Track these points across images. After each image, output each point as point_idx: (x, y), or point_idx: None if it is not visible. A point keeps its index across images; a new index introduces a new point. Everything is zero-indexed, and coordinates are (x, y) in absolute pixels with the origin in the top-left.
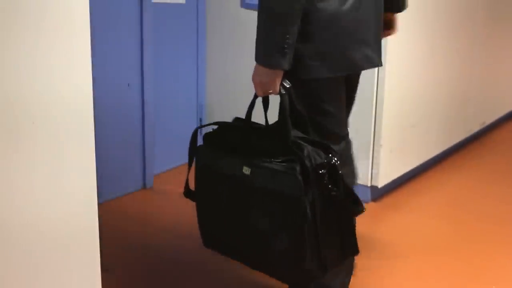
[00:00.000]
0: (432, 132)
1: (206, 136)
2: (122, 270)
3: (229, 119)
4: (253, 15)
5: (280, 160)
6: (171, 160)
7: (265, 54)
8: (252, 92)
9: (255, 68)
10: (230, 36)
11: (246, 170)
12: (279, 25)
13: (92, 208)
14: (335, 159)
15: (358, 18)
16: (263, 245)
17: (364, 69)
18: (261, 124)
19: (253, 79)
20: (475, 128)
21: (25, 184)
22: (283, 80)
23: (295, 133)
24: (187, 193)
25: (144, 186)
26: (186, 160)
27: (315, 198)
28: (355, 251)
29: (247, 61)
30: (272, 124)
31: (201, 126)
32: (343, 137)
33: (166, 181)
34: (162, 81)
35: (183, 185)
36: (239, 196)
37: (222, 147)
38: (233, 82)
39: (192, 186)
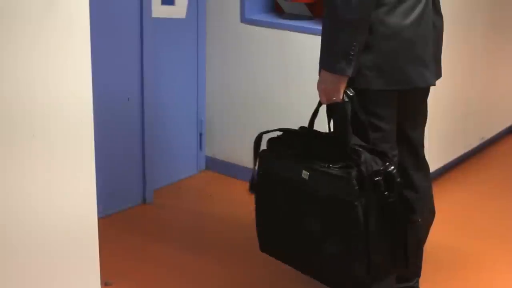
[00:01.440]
0: (431, 147)
1: (270, 141)
2: (122, 284)
3: (229, 134)
4: (253, 30)
5: (338, 166)
6: (171, 175)
7: (331, 60)
8: (253, 108)
9: (320, 75)
10: (230, 51)
11: (305, 175)
12: (347, 32)
13: (92, 221)
14: (393, 167)
15: (419, 33)
16: (315, 248)
17: (417, 86)
18: (323, 132)
19: (317, 86)
20: (475, 143)
21: (24, 197)
22: (347, 88)
23: (355, 140)
24: (252, 187)
25: (144, 201)
26: (186, 175)
27: (369, 205)
28: (407, 264)
29: (247, 76)
30: (334, 131)
31: (266, 132)
32: (391, 156)
33: (166, 196)
34: (162, 95)
35: (183, 200)
36: (295, 200)
37: (285, 152)
38: (233, 97)
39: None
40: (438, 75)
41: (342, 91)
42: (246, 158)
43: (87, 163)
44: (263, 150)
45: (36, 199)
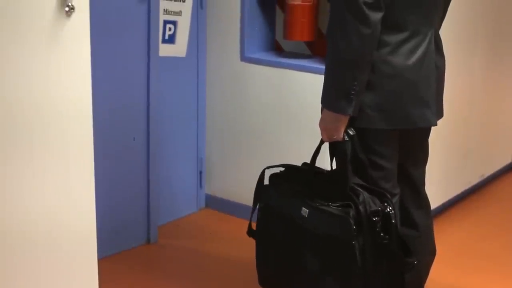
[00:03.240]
0: (431, 185)
1: (272, 177)
2: None
3: (228, 172)
4: (253, 68)
5: (337, 204)
6: (171, 213)
7: (331, 98)
8: (253, 146)
9: (322, 113)
10: (230, 90)
11: (304, 212)
12: (348, 71)
13: (92, 270)
14: (390, 208)
15: (421, 74)
16: (313, 285)
17: (418, 126)
18: (325, 169)
19: (319, 124)
20: (474, 180)
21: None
22: (348, 127)
23: (355, 180)
24: (249, 232)
25: (148, 241)
26: (186, 213)
27: (366, 244)
28: None
29: (247, 114)
30: (335, 169)
31: (269, 167)
32: (392, 195)
33: (167, 234)
34: (164, 133)
35: (184, 238)
36: (294, 236)
37: (286, 188)
38: (233, 135)
39: (254, 226)
40: (440, 115)
41: (342, 130)
42: (245, 196)
43: (87, 201)
44: (265, 185)
45: (35, 230)
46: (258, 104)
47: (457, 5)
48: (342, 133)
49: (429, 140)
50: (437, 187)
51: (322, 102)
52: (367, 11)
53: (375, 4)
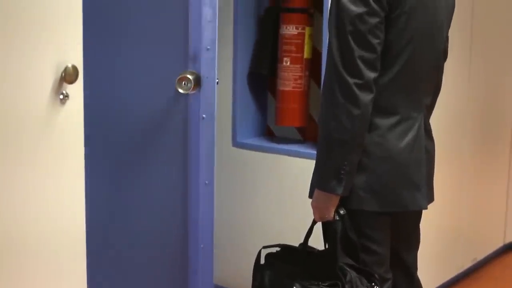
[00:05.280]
0: (422, 269)
1: (267, 256)
2: None
3: (222, 259)
4: (245, 154)
5: (326, 284)
6: None
7: (321, 178)
8: (246, 231)
9: (314, 192)
10: (222, 175)
11: None
12: (338, 151)
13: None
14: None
15: (412, 157)
16: None
17: (410, 209)
18: (317, 249)
19: (311, 203)
20: (467, 264)
21: None
22: (339, 207)
23: (346, 260)
24: None
25: None
26: None
27: None
28: None
29: (239, 199)
30: (326, 249)
31: (265, 247)
32: (385, 280)
33: None
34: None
35: None
36: None
37: (279, 267)
38: (225, 221)
39: None
40: (431, 199)
41: (333, 210)
42: (238, 282)
43: None
44: (261, 264)
45: None
46: (251, 188)
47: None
48: (333, 213)
49: (421, 225)
50: (430, 272)
51: (312, 181)
52: (357, 92)
53: (366, 85)
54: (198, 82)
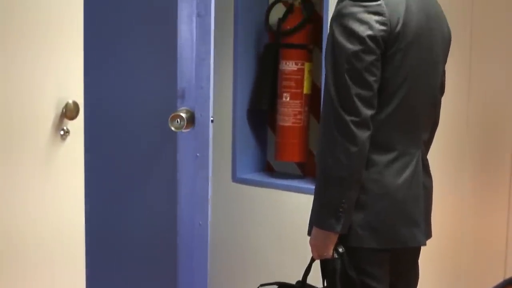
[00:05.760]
0: None
1: None
2: None
3: None
4: (245, 189)
5: None
6: None
7: (320, 216)
8: (246, 266)
9: (313, 230)
10: (222, 211)
11: None
12: (336, 188)
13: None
14: None
15: (410, 194)
16: None
17: (409, 246)
18: (316, 287)
19: (309, 241)
20: None
21: None
22: (337, 245)
23: None
24: None
25: None
26: None
27: None
28: None
29: (239, 234)
30: (325, 287)
31: (263, 285)
32: None
33: None
34: None
35: None
36: None
37: None
38: (225, 255)
39: None
40: (429, 235)
41: (331, 248)
42: None
43: None
44: None
45: None
46: (251, 224)
47: (443, 132)
48: (332, 251)
49: (421, 262)
50: None
51: (311, 219)
52: (354, 129)
53: (363, 123)
54: (191, 120)
